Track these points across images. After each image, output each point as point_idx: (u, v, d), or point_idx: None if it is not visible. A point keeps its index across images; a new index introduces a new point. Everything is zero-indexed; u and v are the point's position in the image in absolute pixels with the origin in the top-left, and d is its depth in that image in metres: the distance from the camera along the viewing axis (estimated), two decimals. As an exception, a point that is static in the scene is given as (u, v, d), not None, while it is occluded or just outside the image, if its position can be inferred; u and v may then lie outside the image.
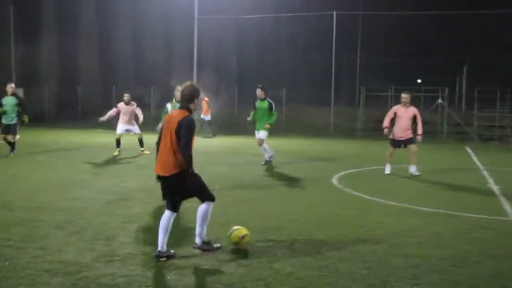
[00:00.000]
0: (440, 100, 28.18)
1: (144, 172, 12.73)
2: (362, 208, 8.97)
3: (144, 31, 38.05)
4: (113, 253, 6.08)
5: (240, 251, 6.25)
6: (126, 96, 16.82)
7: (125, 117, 16.76)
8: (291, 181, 11.96)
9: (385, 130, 13.30)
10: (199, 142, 22.25)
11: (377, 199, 9.76)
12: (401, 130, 13.08)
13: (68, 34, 36.73)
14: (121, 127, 16.78)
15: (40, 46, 36.44)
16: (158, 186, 10.42)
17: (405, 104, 13.11)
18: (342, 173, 13.33)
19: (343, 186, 11.22)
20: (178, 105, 7.24)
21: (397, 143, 13.20)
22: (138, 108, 17.13)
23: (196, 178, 6.05)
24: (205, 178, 11.62)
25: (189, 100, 6.04)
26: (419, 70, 43.94)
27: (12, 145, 15.34)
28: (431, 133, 25.84)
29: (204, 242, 6.26)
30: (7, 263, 5.66)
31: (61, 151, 17.76)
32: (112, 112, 16.84)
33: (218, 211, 8.45)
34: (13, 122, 15.08)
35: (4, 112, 14.94)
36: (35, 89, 33.56)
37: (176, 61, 39.89)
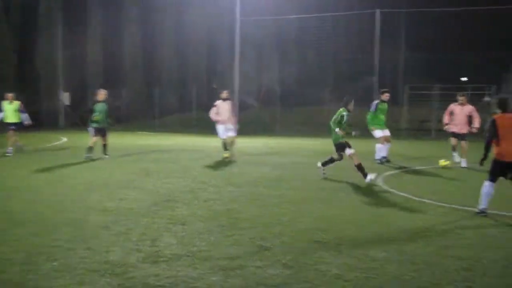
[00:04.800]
0: (486, 99, 27.44)
1: (188, 173, 12.81)
2: (409, 209, 8.77)
3: (186, 34, 38.43)
4: (159, 254, 6.10)
5: (285, 253, 6.18)
6: (225, 93, 16.26)
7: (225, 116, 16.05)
8: (336, 181, 11.80)
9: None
10: (241, 144, 22.32)
11: (425, 200, 9.52)
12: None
13: (112, 39, 37.46)
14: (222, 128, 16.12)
15: (86, 49, 37.15)
16: (202, 187, 10.50)
17: (462, 103, 14.82)
18: (388, 173, 13.10)
19: (389, 187, 11.01)
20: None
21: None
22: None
23: None
24: (249, 178, 11.69)
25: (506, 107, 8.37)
26: (464, 68, 42.88)
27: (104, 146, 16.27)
28: (479, 132, 25.21)
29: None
30: (55, 263, 5.75)
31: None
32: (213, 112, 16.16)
33: (263, 211, 8.44)
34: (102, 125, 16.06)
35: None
36: (80, 93, 34.29)
37: (218, 62, 40.20)
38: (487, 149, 8.31)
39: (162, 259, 5.94)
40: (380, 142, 15.39)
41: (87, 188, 10.60)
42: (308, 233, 7.08)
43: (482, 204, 8.24)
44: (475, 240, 6.84)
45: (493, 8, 32.87)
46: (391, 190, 10.68)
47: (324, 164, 12.29)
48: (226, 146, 16.19)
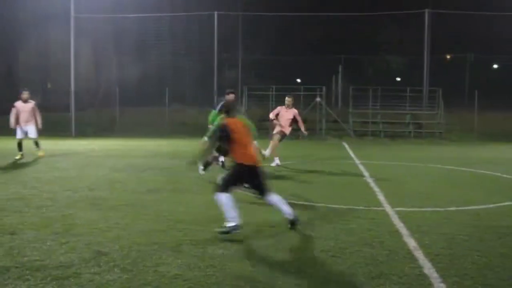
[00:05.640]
0: (318, 99, 29.33)
1: (18, 179, 11.98)
2: (247, 206, 9.05)
3: (17, 30, 35.85)
4: (-17, 268, 5.63)
5: (124, 256, 6.05)
6: (25, 94, 16.16)
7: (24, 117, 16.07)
8: (175, 183, 11.81)
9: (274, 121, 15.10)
10: (78, 146, 21.41)
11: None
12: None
13: None
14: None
15: None
16: (34, 193, 9.88)
17: (287, 106, 14.90)
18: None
19: (228, 185, 11.28)
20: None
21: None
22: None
23: None
24: (86, 182, 11.25)
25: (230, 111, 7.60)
26: (298, 70, 45.51)
27: None
28: (311, 130, 26.86)
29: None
30: None
31: None
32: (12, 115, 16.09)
33: (100, 215, 8.17)
34: None
35: None
36: None
37: (53, 61, 38.08)
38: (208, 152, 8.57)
39: (-13, 273, 5.49)
40: None
41: None
42: (147, 235, 7.01)
43: (231, 218, 7.00)
44: (307, 232, 7.27)
45: (324, 15, 35.40)
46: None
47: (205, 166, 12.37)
48: (21, 147, 15.91)
